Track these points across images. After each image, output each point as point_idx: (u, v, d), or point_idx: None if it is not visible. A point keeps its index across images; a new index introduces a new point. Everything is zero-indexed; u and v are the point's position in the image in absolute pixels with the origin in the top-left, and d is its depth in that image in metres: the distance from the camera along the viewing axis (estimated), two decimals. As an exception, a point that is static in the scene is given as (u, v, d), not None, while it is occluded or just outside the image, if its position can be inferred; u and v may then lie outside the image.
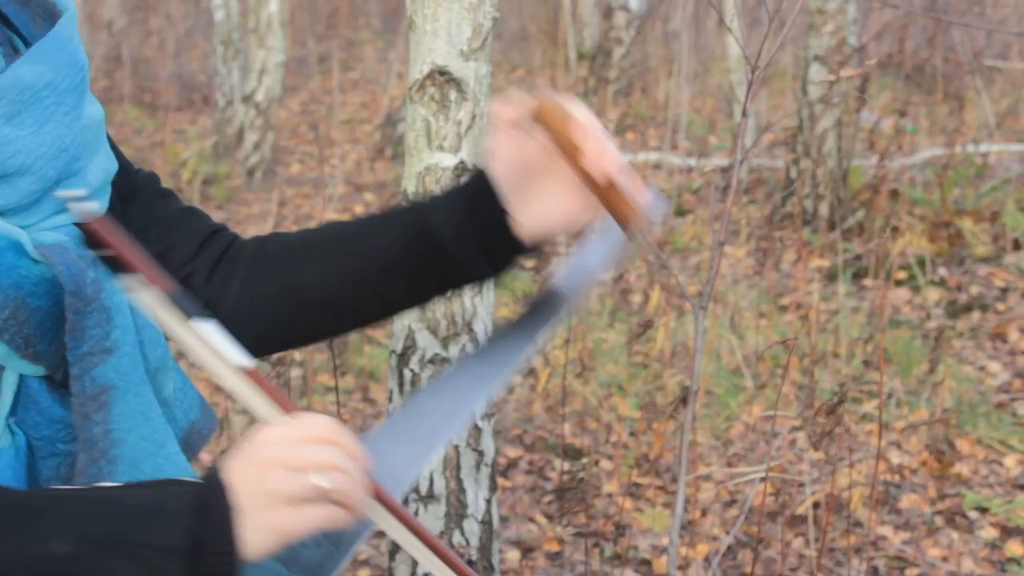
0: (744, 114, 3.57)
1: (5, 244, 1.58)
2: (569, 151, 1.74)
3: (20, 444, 1.63)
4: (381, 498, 1.56)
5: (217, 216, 9.44)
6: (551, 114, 1.72)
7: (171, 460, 1.73)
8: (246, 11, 11.41)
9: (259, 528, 1.45)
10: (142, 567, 1.45)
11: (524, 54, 16.22)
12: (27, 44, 1.75)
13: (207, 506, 1.46)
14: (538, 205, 1.78)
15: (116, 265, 1.57)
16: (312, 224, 8.22)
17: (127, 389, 1.67)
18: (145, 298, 1.55)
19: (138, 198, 1.92)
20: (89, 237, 1.56)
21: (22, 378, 1.63)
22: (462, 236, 1.78)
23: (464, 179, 1.84)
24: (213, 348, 1.55)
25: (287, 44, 11.27)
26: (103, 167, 1.79)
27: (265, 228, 8.94)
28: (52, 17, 1.78)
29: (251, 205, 10.11)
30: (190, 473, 1.77)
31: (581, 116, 1.73)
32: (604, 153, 1.72)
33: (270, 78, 10.89)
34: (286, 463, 1.45)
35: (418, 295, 1.91)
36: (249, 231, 9.17)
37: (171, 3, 16.86)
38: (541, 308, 1.87)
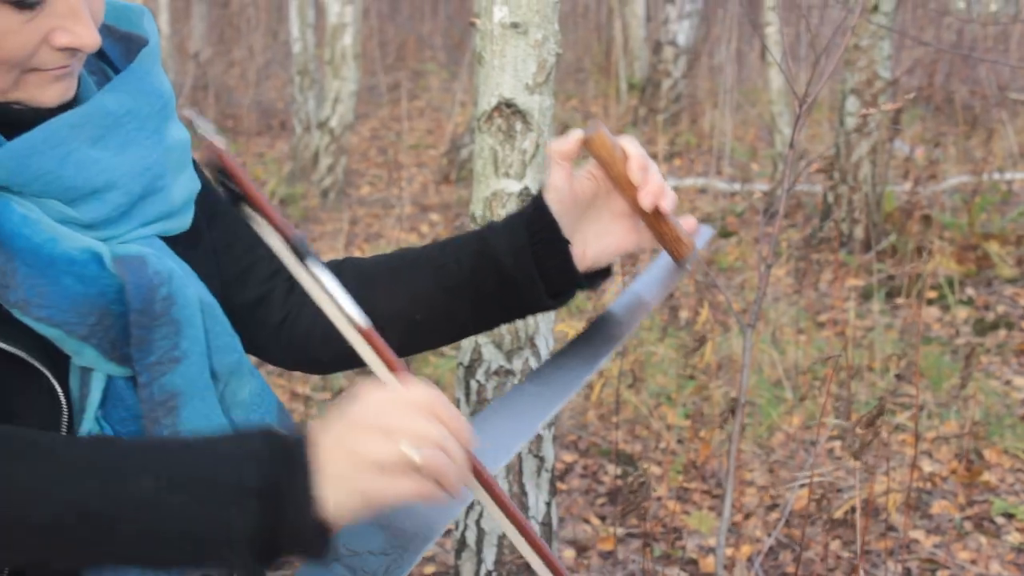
0: (791, 146, 3.55)
1: (89, 256, 1.61)
2: (622, 184, 1.73)
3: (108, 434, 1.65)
4: (481, 478, 1.50)
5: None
6: (605, 148, 1.72)
7: None
8: (322, 44, 11.44)
9: (344, 488, 1.41)
10: (217, 506, 1.43)
11: (579, 85, 16.21)
12: (117, 74, 1.77)
13: (287, 454, 1.43)
14: (593, 235, 1.78)
15: (237, 197, 1.53)
16: (382, 242, 8.26)
17: (194, 395, 1.69)
18: (264, 232, 1.51)
19: (223, 217, 1.93)
20: (216, 168, 1.52)
21: (109, 378, 1.65)
22: (522, 263, 1.78)
23: (524, 209, 1.82)
24: (331, 296, 1.52)
25: (359, 75, 11.27)
26: (187, 186, 1.81)
27: (338, 245, 8.95)
28: (138, 51, 1.80)
29: (325, 224, 10.12)
30: None
31: (633, 150, 1.73)
32: (655, 186, 1.72)
33: (343, 106, 10.91)
34: (381, 428, 1.40)
35: (483, 320, 1.90)
36: (323, 248, 9.21)
37: (252, 36, 16.93)
38: (600, 332, 1.86)
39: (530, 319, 3.64)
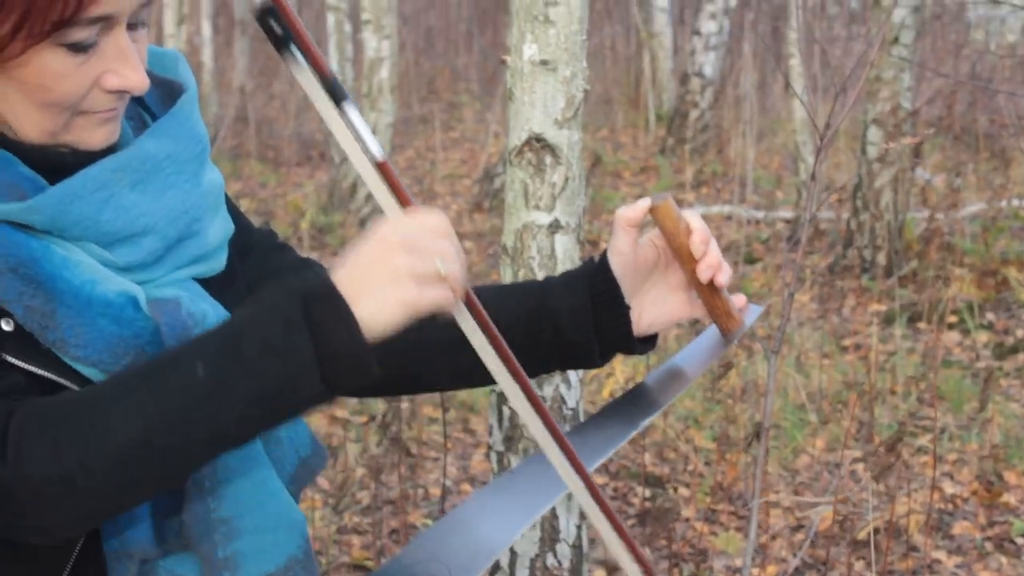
0: (813, 176, 3.54)
1: (125, 300, 1.61)
2: (683, 255, 1.74)
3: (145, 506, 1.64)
4: (469, 301, 1.55)
5: (331, 263, 9.58)
6: (670, 219, 1.72)
7: (272, 495, 1.74)
8: (360, 77, 11.48)
9: (387, 301, 1.45)
10: (273, 356, 1.45)
11: (608, 116, 16.21)
12: (155, 120, 1.77)
13: (322, 283, 1.47)
14: (649, 302, 1.79)
15: (283, 39, 1.52)
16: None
17: None
18: (303, 76, 1.51)
19: (255, 252, 1.93)
20: (267, 8, 1.51)
21: None
22: (581, 324, 1.78)
23: (586, 268, 1.82)
24: (356, 133, 1.52)
25: (395, 107, 11.32)
26: (222, 228, 1.80)
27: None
28: (176, 96, 1.81)
29: (363, 252, 10.14)
30: (290, 505, 1.79)
31: (697, 224, 1.73)
32: (714, 260, 1.73)
33: (380, 137, 10.93)
34: (414, 246, 1.44)
35: (529, 368, 1.89)
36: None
37: (291, 70, 16.98)
38: (640, 399, 1.86)
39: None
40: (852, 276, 8.94)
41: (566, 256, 3.75)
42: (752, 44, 15.17)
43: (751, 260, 9.61)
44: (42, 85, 1.55)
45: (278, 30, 1.47)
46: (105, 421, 1.47)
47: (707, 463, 5.98)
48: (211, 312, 1.69)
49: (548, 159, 3.49)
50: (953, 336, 7.88)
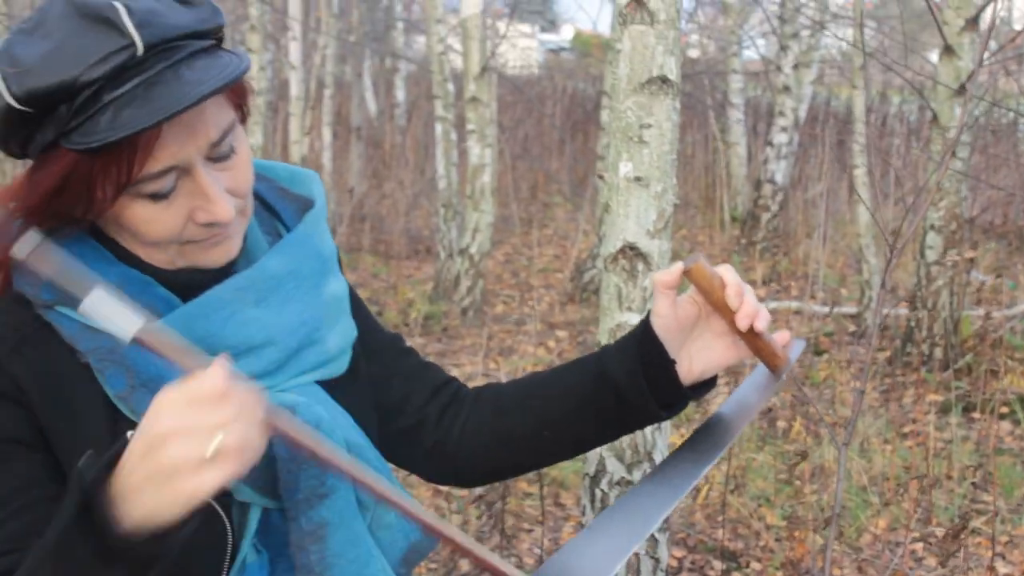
0: (883, 285, 3.54)
1: None
2: (721, 308, 1.74)
3: (264, 561, 1.66)
4: (279, 429, 1.39)
5: (436, 347, 9.53)
6: (704, 278, 1.72)
7: None
8: (464, 181, 11.55)
9: (165, 498, 1.30)
10: (60, 554, 1.37)
11: (687, 217, 16.22)
12: (289, 232, 1.81)
13: (97, 488, 1.35)
14: (697, 351, 1.79)
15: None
16: (514, 356, 8.26)
17: (340, 524, 1.70)
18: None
19: (382, 354, 1.95)
20: None
21: (265, 509, 1.67)
22: (635, 382, 1.78)
23: (635, 333, 1.82)
24: (108, 315, 1.40)
25: (495, 207, 11.37)
26: (344, 334, 1.83)
27: (476, 358, 8.99)
28: (306, 211, 1.84)
29: (465, 339, 10.17)
30: None
31: (730, 278, 1.74)
32: (750, 309, 1.72)
33: (482, 235, 10.99)
34: (185, 430, 1.29)
35: (603, 434, 1.90)
36: (462, 360, 9.25)
37: (403, 172, 17.14)
38: (707, 438, 1.85)
39: (648, 436, 3.64)
40: (911, 369, 8.86)
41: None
42: (819, 155, 15.15)
43: (818, 352, 9.56)
44: (138, 230, 1.61)
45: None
46: None
47: (778, 540, 5.93)
48: (325, 415, 1.72)
49: (640, 266, 3.52)
50: (1005, 426, 7.77)
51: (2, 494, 1.56)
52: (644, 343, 1.80)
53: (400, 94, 21.85)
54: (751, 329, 1.75)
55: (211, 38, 1.61)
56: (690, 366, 1.81)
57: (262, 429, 1.34)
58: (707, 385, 1.89)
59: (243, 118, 1.70)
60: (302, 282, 1.76)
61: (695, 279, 1.74)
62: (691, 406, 7.33)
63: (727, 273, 1.74)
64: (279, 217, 1.84)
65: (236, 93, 1.68)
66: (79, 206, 1.57)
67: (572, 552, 1.61)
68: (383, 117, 21.77)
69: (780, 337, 1.83)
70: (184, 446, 1.28)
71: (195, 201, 1.59)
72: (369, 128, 19.75)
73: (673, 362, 1.79)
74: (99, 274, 1.57)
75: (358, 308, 1.94)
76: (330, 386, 1.79)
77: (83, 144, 1.49)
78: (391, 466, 1.94)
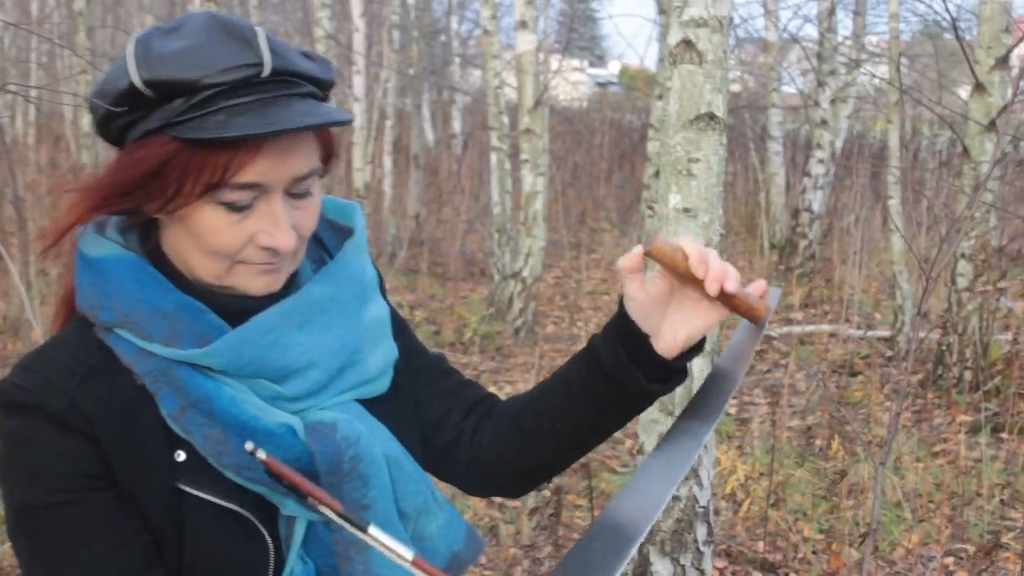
0: (919, 312, 3.54)
1: (285, 430, 1.66)
2: (689, 278, 1.70)
3: (311, 570, 1.68)
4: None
5: (490, 365, 9.54)
6: (665, 256, 1.66)
7: None
8: (517, 207, 11.58)
9: None
10: None
11: (727, 243, 16.17)
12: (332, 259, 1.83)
13: None
14: (679, 321, 1.74)
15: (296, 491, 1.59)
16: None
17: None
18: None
19: (424, 373, 1.96)
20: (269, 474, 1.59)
21: (310, 522, 1.68)
22: (619, 360, 1.74)
23: (612, 318, 1.79)
24: (386, 544, 1.52)
25: (546, 232, 11.38)
26: (384, 356, 1.84)
27: (528, 376, 8.99)
28: (345, 238, 1.87)
29: (517, 357, 10.18)
30: None
31: (690, 248, 1.67)
32: (716, 273, 1.66)
33: (534, 259, 11.01)
34: None
35: (608, 415, 1.82)
36: (515, 377, 9.27)
37: (459, 198, 17.19)
38: (712, 389, 1.82)
39: (696, 456, 3.64)
40: (943, 391, 8.81)
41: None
42: (854, 185, 15.11)
43: (853, 373, 9.53)
44: (203, 236, 1.62)
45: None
46: None
47: (815, 552, 5.91)
48: (365, 432, 1.72)
49: (688, 292, 3.52)
50: (1032, 445, 7.73)
51: (83, 537, 1.59)
52: (621, 326, 1.77)
53: (456, 125, 21.95)
54: (723, 291, 1.74)
55: (323, 89, 1.68)
56: (675, 337, 1.75)
57: None
58: (695, 350, 1.82)
59: (323, 172, 1.74)
60: (343, 307, 1.78)
61: (657, 258, 1.69)
62: (730, 423, 7.30)
63: (688, 244, 1.68)
64: (325, 247, 1.87)
65: (327, 146, 1.71)
66: (161, 197, 1.60)
67: (612, 510, 1.60)
68: (440, 146, 21.87)
69: (756, 288, 1.77)
70: None
71: (262, 224, 1.61)
72: (427, 157, 19.83)
73: (647, 336, 1.75)
74: (157, 300, 1.64)
75: (402, 330, 1.95)
76: (371, 404, 1.80)
77: (193, 136, 1.54)
78: (442, 483, 1.94)
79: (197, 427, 1.61)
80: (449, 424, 1.95)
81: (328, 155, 1.73)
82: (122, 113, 1.61)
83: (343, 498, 1.67)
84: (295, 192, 1.65)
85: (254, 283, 1.66)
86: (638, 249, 1.70)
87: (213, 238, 1.61)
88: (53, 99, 17.32)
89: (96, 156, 15.51)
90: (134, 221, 1.71)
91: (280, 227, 1.62)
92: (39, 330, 5.89)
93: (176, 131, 1.56)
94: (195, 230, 1.62)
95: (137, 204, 1.64)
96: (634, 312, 1.74)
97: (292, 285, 1.74)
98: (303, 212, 1.67)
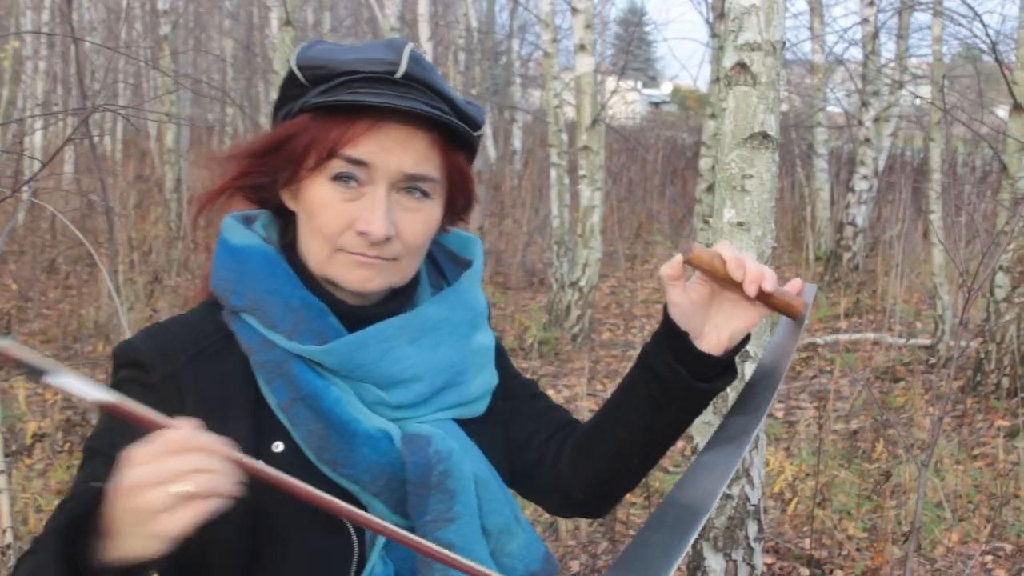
0: (961, 322, 3.51)
1: (382, 435, 1.67)
2: (728, 282, 1.69)
3: (391, 571, 1.68)
4: (247, 468, 1.35)
5: (549, 370, 9.54)
6: (703, 262, 1.66)
7: None
8: (575, 220, 11.58)
9: (142, 538, 1.29)
10: None
11: (775, 255, 16.04)
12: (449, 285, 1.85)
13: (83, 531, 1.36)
14: (722, 322, 1.74)
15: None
16: (618, 378, 8.27)
17: (463, 547, 1.69)
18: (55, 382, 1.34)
19: (517, 396, 1.97)
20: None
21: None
22: (666, 363, 1.74)
23: (661, 325, 1.79)
24: (79, 389, 1.34)
25: (602, 244, 11.38)
26: (486, 382, 1.85)
27: (584, 380, 8.98)
28: (464, 269, 1.88)
29: (574, 362, 10.18)
30: None
31: (727, 254, 1.68)
32: (752, 275, 1.66)
33: (590, 269, 11.01)
34: (149, 481, 1.28)
35: (664, 418, 1.81)
36: (572, 381, 9.27)
37: (519, 212, 17.20)
38: (759, 383, 1.81)
39: (746, 456, 3.63)
40: (981, 396, 8.73)
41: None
42: (897, 200, 14.99)
43: (895, 379, 9.45)
44: (313, 213, 1.67)
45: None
46: None
47: (859, 550, 5.87)
48: (457, 449, 1.73)
49: (741, 302, 3.51)
50: (1068, 449, 7.64)
51: None
52: (666, 330, 1.77)
53: (517, 142, 21.97)
54: (761, 291, 1.73)
55: (464, 124, 1.73)
56: (718, 337, 1.75)
57: (229, 474, 1.32)
58: (739, 347, 1.82)
59: (453, 209, 1.80)
60: (454, 329, 1.80)
61: (696, 264, 1.69)
62: (779, 427, 7.26)
63: (724, 249, 1.69)
64: (444, 275, 1.89)
65: (462, 184, 1.78)
66: (288, 166, 1.69)
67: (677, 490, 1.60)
68: (502, 162, 21.89)
69: (792, 286, 1.77)
70: (153, 492, 1.28)
71: (362, 211, 1.65)
72: (489, 172, 19.85)
73: (686, 335, 1.75)
74: (287, 294, 1.69)
75: (501, 357, 1.96)
76: (466, 424, 1.81)
77: (317, 102, 1.66)
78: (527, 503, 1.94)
79: (303, 421, 1.64)
80: (534, 445, 1.96)
81: (463, 196, 1.79)
82: (283, 99, 1.73)
83: (428, 509, 1.68)
84: (404, 187, 1.68)
85: (350, 274, 1.69)
86: (678, 257, 1.70)
87: (320, 213, 1.66)
88: (140, 117, 17.50)
89: (178, 171, 15.66)
90: (271, 200, 1.78)
91: (377, 215, 1.64)
92: (128, 334, 5.95)
93: (308, 106, 1.67)
94: (308, 206, 1.68)
95: (269, 174, 1.72)
96: (678, 316, 1.75)
97: (409, 304, 1.78)
98: (410, 216, 1.69)
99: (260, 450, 1.64)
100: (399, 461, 1.67)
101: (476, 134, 1.76)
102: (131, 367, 1.66)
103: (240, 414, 1.65)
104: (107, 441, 1.61)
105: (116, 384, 1.66)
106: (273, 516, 1.64)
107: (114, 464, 1.33)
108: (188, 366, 1.66)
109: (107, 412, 1.34)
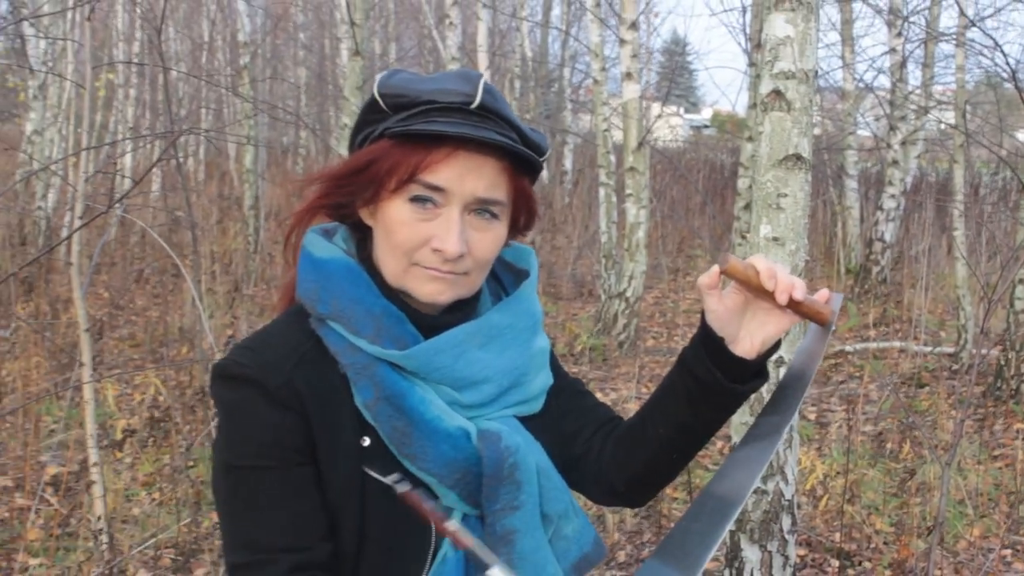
0: (982, 331, 3.49)
1: (461, 432, 1.69)
2: (761, 291, 1.70)
3: (460, 557, 1.69)
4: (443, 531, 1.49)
5: (598, 374, 9.52)
6: (738, 272, 1.65)
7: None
8: (621, 235, 11.58)
9: None
10: None
11: (807, 268, 15.96)
12: (507, 295, 1.88)
13: None
14: (756, 328, 1.72)
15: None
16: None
17: (526, 532, 1.72)
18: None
19: (565, 393, 1.98)
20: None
21: (464, 515, 1.71)
22: (702, 364, 1.73)
23: (697, 331, 1.79)
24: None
25: (647, 258, 11.36)
26: (543, 382, 1.87)
27: (631, 384, 8.98)
28: (522, 280, 1.90)
29: (621, 367, 10.17)
30: None
31: (761, 265, 1.67)
32: (784, 286, 1.66)
33: (636, 282, 11.00)
34: None
35: (702, 416, 1.79)
36: (619, 385, 9.26)
37: (569, 228, 17.22)
38: (789, 386, 1.81)
39: (780, 452, 3.63)
40: (1001, 401, 8.66)
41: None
42: (922, 218, 14.88)
43: (920, 385, 9.39)
44: (391, 229, 1.68)
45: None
46: None
47: (886, 543, 5.84)
48: (522, 444, 1.75)
49: (776, 311, 3.51)
50: (1084, 451, 7.56)
51: (279, 499, 1.63)
52: (704, 335, 1.76)
53: (568, 163, 22.00)
54: (791, 300, 1.74)
55: (531, 150, 1.74)
56: (751, 342, 1.74)
57: None
58: (771, 351, 1.81)
59: (516, 227, 1.81)
60: (518, 335, 1.82)
61: (731, 274, 1.68)
62: (810, 427, 7.22)
63: (758, 261, 1.69)
64: (501, 283, 1.91)
65: (525, 203, 1.79)
66: (369, 188, 1.70)
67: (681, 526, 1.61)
68: (554, 182, 21.91)
69: (821, 295, 1.75)
70: None
71: (437, 231, 1.66)
72: (542, 191, 19.87)
73: (722, 340, 1.74)
74: (369, 303, 1.71)
75: (551, 358, 1.98)
76: (525, 420, 1.83)
77: (399, 129, 1.67)
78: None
79: (387, 418, 1.65)
80: (581, 439, 1.96)
81: (522, 207, 1.80)
82: (363, 123, 1.75)
83: (499, 498, 1.70)
84: (475, 210, 1.69)
85: (424, 287, 1.70)
86: (715, 268, 1.71)
87: (398, 230, 1.67)
88: (221, 139, 17.64)
89: (256, 190, 15.78)
90: (349, 216, 1.80)
91: (452, 234, 1.65)
92: (210, 339, 6.03)
93: (390, 133, 1.68)
94: (386, 224, 1.69)
95: (351, 194, 1.74)
96: (714, 323, 1.74)
97: (475, 313, 1.80)
98: (480, 235, 1.70)
99: (358, 446, 1.66)
100: (475, 456, 1.69)
101: (541, 160, 1.78)
102: (246, 386, 1.65)
103: (346, 412, 1.67)
104: (256, 497, 1.65)
105: (239, 406, 1.66)
106: (372, 515, 1.67)
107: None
108: (297, 372, 1.66)
109: (235, 424, 1.43)
